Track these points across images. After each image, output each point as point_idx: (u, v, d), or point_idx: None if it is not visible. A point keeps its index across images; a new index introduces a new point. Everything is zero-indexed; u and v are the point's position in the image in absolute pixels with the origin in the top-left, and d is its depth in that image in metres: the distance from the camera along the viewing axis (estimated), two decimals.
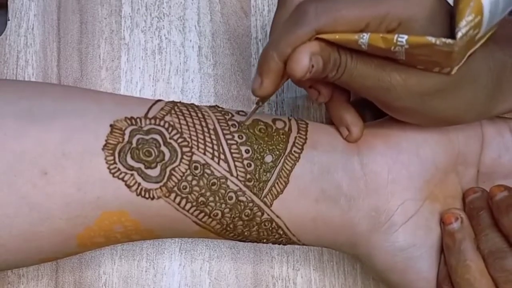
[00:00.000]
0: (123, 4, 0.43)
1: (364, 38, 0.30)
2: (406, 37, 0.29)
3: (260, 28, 0.44)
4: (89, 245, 0.34)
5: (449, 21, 0.30)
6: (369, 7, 0.30)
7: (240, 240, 0.35)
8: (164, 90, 0.43)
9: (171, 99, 0.42)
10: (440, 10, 0.30)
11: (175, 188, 0.32)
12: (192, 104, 0.35)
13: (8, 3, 0.42)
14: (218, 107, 0.35)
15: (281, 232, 0.35)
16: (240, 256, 0.42)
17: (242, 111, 0.35)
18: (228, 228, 0.34)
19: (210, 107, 0.35)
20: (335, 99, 0.36)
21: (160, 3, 0.43)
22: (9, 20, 0.42)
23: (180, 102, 0.35)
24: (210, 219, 0.33)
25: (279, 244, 0.36)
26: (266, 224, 0.34)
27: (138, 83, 0.43)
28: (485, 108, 0.34)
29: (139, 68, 0.43)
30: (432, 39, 0.29)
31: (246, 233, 0.35)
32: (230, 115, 0.35)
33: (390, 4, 0.30)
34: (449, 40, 0.29)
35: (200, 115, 0.34)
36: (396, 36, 0.29)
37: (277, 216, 0.34)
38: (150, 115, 0.33)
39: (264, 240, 0.35)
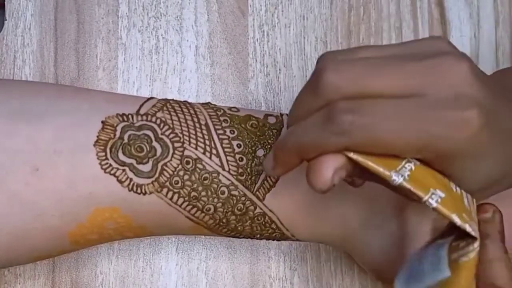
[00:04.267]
0: (120, 3, 0.43)
1: (397, 180, 0.27)
2: (435, 204, 0.27)
3: (258, 27, 0.44)
4: (82, 242, 0.34)
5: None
6: (409, 134, 0.26)
7: (233, 236, 0.35)
8: (161, 90, 0.43)
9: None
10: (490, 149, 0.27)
11: (167, 183, 0.32)
12: (185, 101, 0.35)
13: (5, 3, 0.42)
14: (211, 104, 0.35)
15: (274, 227, 0.35)
16: (237, 256, 0.42)
17: (235, 107, 0.35)
18: (221, 223, 0.34)
19: (202, 104, 0.35)
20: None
21: (157, 2, 0.43)
22: (6, 20, 0.42)
23: (172, 99, 0.35)
24: (203, 214, 0.33)
25: (273, 239, 0.36)
26: (259, 219, 0.34)
27: (135, 83, 0.43)
28: None
29: (136, 68, 0.43)
30: (456, 221, 0.27)
31: (239, 228, 0.35)
32: (222, 111, 0.35)
33: (432, 134, 0.26)
34: (470, 247, 0.27)
35: (192, 111, 0.34)
36: (428, 195, 0.27)
37: (270, 210, 0.34)
38: (142, 111, 0.33)
39: (258, 236, 0.35)
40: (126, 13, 0.43)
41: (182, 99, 0.42)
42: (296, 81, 0.44)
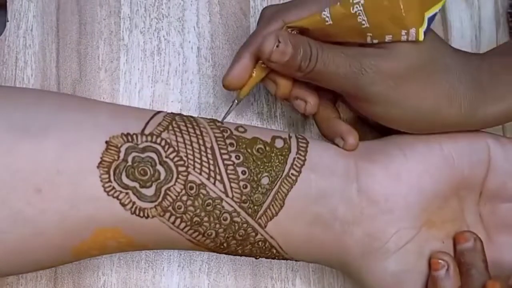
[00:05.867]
0: (122, 5, 0.43)
1: (326, 11, 0.33)
2: None
3: None
4: (84, 256, 0.34)
5: None
6: None
7: (233, 255, 0.35)
8: (163, 91, 0.43)
9: (170, 100, 0.42)
10: None
11: (170, 208, 0.32)
12: (191, 117, 0.35)
13: (7, 4, 0.42)
14: (217, 121, 0.35)
15: (275, 251, 0.35)
16: (239, 258, 0.42)
17: (241, 127, 0.35)
18: (222, 246, 0.34)
19: (209, 122, 0.35)
20: (323, 113, 0.37)
21: (159, 4, 0.43)
22: (8, 21, 0.42)
23: (179, 115, 0.35)
24: (204, 238, 0.33)
25: (272, 259, 0.36)
26: (260, 244, 0.34)
27: (137, 84, 0.43)
28: (470, 105, 0.34)
29: (138, 69, 0.43)
30: None
31: (239, 251, 0.35)
32: (228, 132, 0.34)
33: None
34: None
35: (198, 131, 0.34)
36: None
37: (271, 237, 0.34)
38: (146, 131, 0.33)
39: (257, 257, 0.36)
40: (128, 15, 0.43)
41: (184, 100, 0.42)
42: None
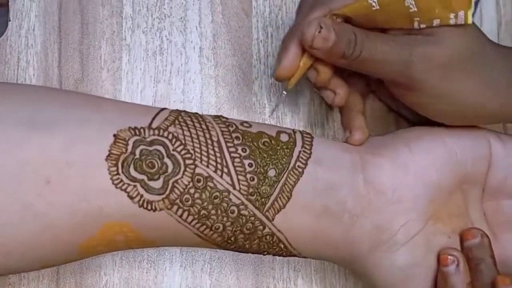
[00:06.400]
0: (124, 5, 0.43)
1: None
2: None
3: (262, 29, 0.44)
4: (90, 253, 0.34)
5: None
6: None
7: (240, 252, 0.35)
8: (165, 91, 0.43)
9: (172, 100, 0.42)
10: None
11: (177, 201, 0.32)
12: (196, 113, 0.35)
13: (9, 4, 0.42)
14: (222, 117, 0.35)
15: (282, 246, 0.35)
16: (241, 258, 0.42)
17: (246, 122, 0.35)
18: (229, 241, 0.34)
19: (214, 117, 0.35)
20: (348, 104, 0.38)
21: (161, 4, 0.43)
22: (10, 21, 0.42)
23: (184, 111, 0.35)
24: (212, 232, 0.33)
25: (279, 256, 0.36)
26: (267, 238, 0.34)
27: (139, 84, 0.43)
28: (508, 100, 0.35)
29: (140, 69, 0.43)
30: None
31: (247, 246, 0.35)
32: (234, 126, 0.34)
33: None
34: None
35: (204, 126, 0.34)
36: None
37: (279, 231, 0.34)
38: (154, 125, 0.33)
39: (265, 253, 0.35)
40: (130, 14, 0.43)
41: (186, 100, 0.42)
42: (300, 83, 0.44)
